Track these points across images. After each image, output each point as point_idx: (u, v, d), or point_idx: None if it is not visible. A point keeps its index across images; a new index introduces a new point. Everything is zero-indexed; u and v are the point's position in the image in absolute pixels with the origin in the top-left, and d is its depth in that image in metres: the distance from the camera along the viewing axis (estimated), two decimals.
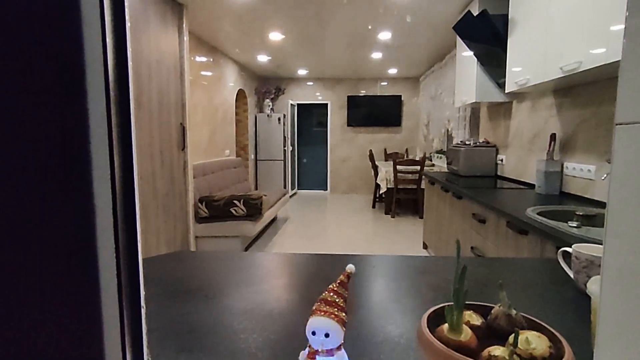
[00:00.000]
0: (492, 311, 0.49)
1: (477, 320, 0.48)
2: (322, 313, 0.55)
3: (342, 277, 0.60)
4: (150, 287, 0.90)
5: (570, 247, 0.92)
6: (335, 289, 0.58)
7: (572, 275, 0.90)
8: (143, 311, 0.32)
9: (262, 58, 5.57)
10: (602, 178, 1.68)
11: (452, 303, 0.44)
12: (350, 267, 0.61)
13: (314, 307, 0.57)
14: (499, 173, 3.22)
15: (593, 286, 0.62)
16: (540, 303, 0.82)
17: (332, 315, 0.55)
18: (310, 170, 8.23)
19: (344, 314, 0.56)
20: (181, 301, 0.82)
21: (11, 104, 0.26)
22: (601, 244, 1.01)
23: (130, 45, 0.30)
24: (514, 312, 0.47)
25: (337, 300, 0.57)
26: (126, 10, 0.29)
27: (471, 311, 0.49)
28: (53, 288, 0.27)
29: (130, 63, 0.30)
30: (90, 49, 0.27)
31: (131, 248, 0.31)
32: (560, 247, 1.37)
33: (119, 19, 0.29)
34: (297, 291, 0.90)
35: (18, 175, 0.26)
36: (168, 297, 0.85)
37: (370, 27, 3.97)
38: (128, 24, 0.30)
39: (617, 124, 0.50)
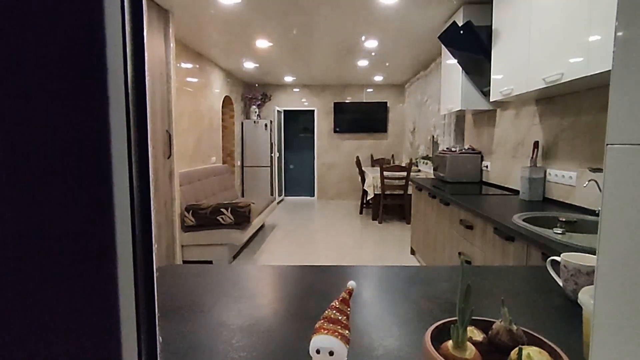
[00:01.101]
0: (494, 326, 0.50)
1: (478, 336, 0.49)
2: (326, 331, 0.56)
3: (343, 294, 0.61)
4: None
5: (556, 254, 0.95)
6: (337, 306, 0.59)
7: (560, 283, 0.92)
8: (157, 320, 0.32)
9: (249, 65, 5.56)
10: (584, 185, 1.74)
11: (456, 319, 0.45)
12: (352, 284, 0.62)
13: (317, 325, 0.57)
14: (484, 179, 3.29)
15: (585, 296, 0.64)
16: (530, 312, 0.84)
17: (336, 333, 0.55)
18: (297, 176, 8.22)
19: (347, 332, 0.57)
20: (170, 320, 0.81)
21: (37, 108, 0.26)
22: (585, 251, 1.04)
23: (146, 52, 0.30)
24: (515, 327, 0.49)
25: (340, 317, 0.58)
26: (144, 16, 0.30)
27: (472, 327, 0.50)
28: (72, 294, 0.27)
29: (147, 70, 0.31)
30: (111, 55, 0.27)
31: (147, 257, 0.31)
32: (546, 254, 1.41)
33: (138, 27, 0.29)
34: (288, 305, 0.90)
35: (43, 181, 0.26)
36: (160, 314, 0.83)
37: (356, 36, 4.02)
38: (145, 32, 0.30)
39: (607, 144, 0.52)
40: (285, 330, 0.77)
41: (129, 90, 0.28)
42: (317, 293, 0.96)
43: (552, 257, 0.96)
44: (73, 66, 0.26)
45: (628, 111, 0.49)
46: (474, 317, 0.53)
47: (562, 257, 0.90)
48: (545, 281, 1.02)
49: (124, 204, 0.28)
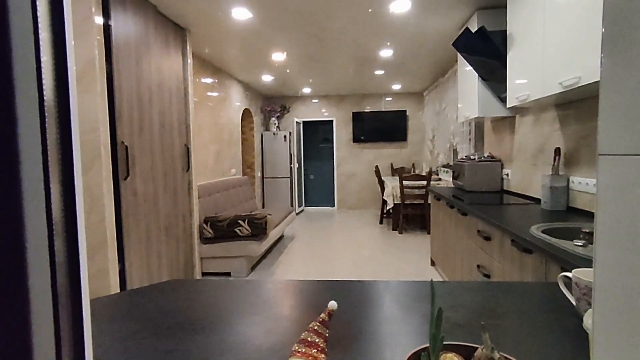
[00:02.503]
0: (475, 354, 0.46)
1: None
2: (300, 355, 0.53)
3: (323, 315, 0.58)
4: (135, 321, 0.89)
5: (575, 268, 0.89)
6: (315, 328, 0.57)
7: (573, 302, 0.86)
8: None
9: (267, 78, 5.65)
10: None
11: (428, 346, 0.42)
12: (332, 305, 0.59)
13: (293, 348, 0.55)
14: (504, 188, 3.17)
15: (589, 320, 0.59)
16: (539, 334, 0.78)
17: (311, 358, 0.53)
18: (317, 186, 8.23)
19: (323, 356, 0.54)
20: (165, 337, 0.81)
21: None
22: None
23: (70, 45, 0.29)
24: (497, 355, 0.45)
25: (317, 340, 0.55)
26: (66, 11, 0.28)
27: (453, 353, 0.47)
28: None
29: (71, 68, 0.29)
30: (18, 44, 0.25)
31: (73, 288, 0.29)
32: (565, 268, 1.32)
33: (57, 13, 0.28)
34: (291, 323, 0.88)
35: None
36: (150, 333, 0.83)
37: (371, 46, 4.01)
38: (68, 21, 0.28)
39: (599, 155, 0.48)
40: (282, 349, 0.74)
41: (44, 89, 0.27)
42: (320, 310, 0.93)
43: (564, 273, 0.90)
44: None
45: (619, 121, 0.46)
46: (456, 343, 0.49)
47: (574, 274, 0.84)
48: (559, 299, 0.95)
49: (37, 226, 0.26)
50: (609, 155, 0.46)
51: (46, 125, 0.27)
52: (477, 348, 0.48)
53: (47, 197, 0.27)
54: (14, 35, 0.25)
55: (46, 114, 0.27)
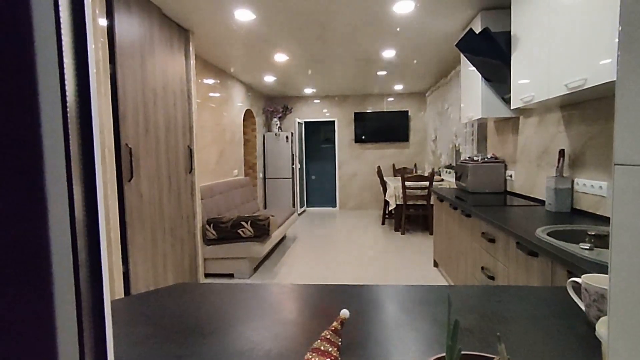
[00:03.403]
0: None
1: None
2: None
3: (335, 324, 0.58)
4: (145, 325, 0.89)
5: (582, 271, 0.88)
6: (328, 337, 0.56)
7: (583, 308, 0.86)
8: None
9: (269, 78, 5.65)
10: None
11: (443, 355, 0.42)
12: (345, 313, 0.59)
13: (306, 357, 0.55)
14: (508, 189, 3.16)
15: (602, 329, 0.58)
16: (549, 340, 0.78)
17: None
18: (319, 187, 8.23)
19: None
20: (176, 342, 0.81)
21: None
22: None
23: (91, 47, 0.29)
24: None
25: (330, 349, 0.55)
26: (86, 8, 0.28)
27: None
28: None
29: (92, 72, 0.29)
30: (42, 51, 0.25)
31: (95, 288, 0.29)
32: (571, 271, 1.32)
33: (79, 19, 0.28)
34: (299, 328, 0.88)
35: None
36: (161, 337, 0.83)
37: (373, 46, 4.01)
38: (89, 25, 0.28)
39: (615, 165, 0.48)
40: (290, 355, 0.74)
41: (67, 92, 0.27)
42: (327, 315, 0.93)
43: (573, 279, 0.89)
44: None
45: (637, 129, 0.45)
46: (471, 353, 0.49)
47: (583, 280, 0.84)
48: (568, 304, 0.95)
49: (61, 226, 0.26)
50: (625, 165, 0.46)
51: (68, 126, 0.27)
52: (492, 358, 0.48)
53: (70, 197, 0.27)
54: (37, 38, 0.26)
55: (68, 116, 0.27)
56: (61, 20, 0.26)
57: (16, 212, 0.25)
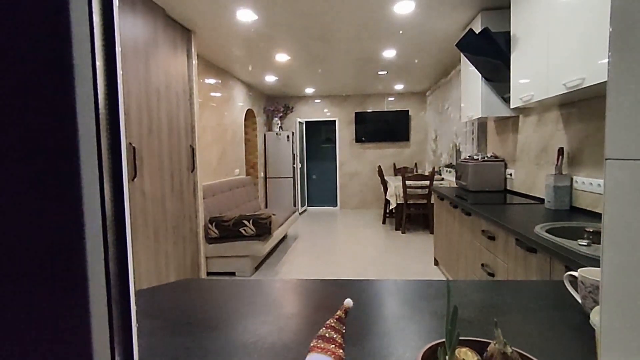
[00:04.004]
0: (488, 349, 0.49)
1: (472, 357, 0.48)
2: (320, 350, 0.56)
3: (339, 312, 0.61)
4: (152, 319, 0.91)
5: (580, 267, 0.91)
6: (332, 324, 0.59)
7: (579, 300, 0.88)
8: (135, 339, 0.33)
9: (270, 78, 5.68)
10: None
11: (443, 341, 0.44)
12: (348, 302, 0.62)
13: (311, 344, 0.58)
14: (508, 187, 3.19)
15: (596, 318, 0.61)
16: (546, 330, 0.80)
17: (329, 352, 0.55)
18: (319, 186, 8.25)
19: (341, 351, 0.57)
20: (183, 334, 0.83)
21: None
22: None
23: (120, 56, 0.31)
24: (509, 350, 0.47)
25: (334, 336, 0.58)
26: (116, 17, 0.30)
27: (467, 348, 0.49)
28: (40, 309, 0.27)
29: (120, 82, 0.31)
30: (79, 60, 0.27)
31: (123, 276, 0.31)
32: (569, 267, 1.34)
33: (108, 21, 0.29)
34: (303, 321, 0.90)
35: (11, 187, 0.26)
36: (169, 330, 0.85)
37: (374, 46, 4.03)
38: (117, 27, 0.30)
39: (606, 159, 0.50)
40: (296, 346, 0.77)
41: (99, 94, 0.28)
42: (330, 309, 0.95)
43: (569, 272, 0.92)
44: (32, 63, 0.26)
45: (627, 124, 0.47)
46: (469, 338, 0.52)
47: (579, 273, 0.86)
48: (565, 297, 0.97)
49: (94, 215, 0.28)
50: (616, 159, 0.48)
51: (100, 128, 0.29)
52: (489, 343, 0.50)
53: (102, 196, 0.29)
54: (74, 42, 0.27)
55: (100, 118, 0.29)
56: (94, 23, 0.28)
57: (55, 211, 0.27)
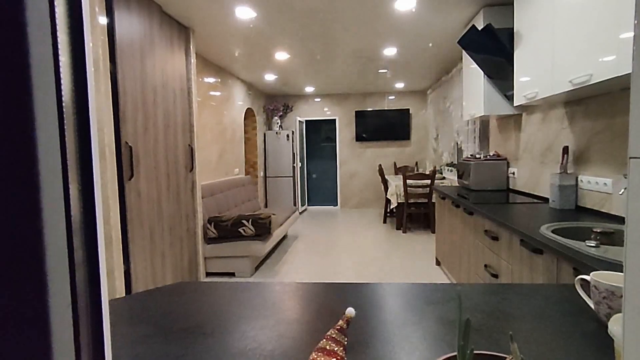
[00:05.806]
0: None
1: None
2: None
3: (341, 322, 0.57)
4: (146, 325, 0.87)
5: (588, 269, 0.87)
6: (333, 336, 0.55)
7: (592, 306, 0.84)
8: None
9: (269, 77, 5.63)
10: (620, 193, 1.61)
11: (456, 354, 0.40)
12: (350, 311, 0.58)
13: (310, 357, 0.53)
14: (510, 186, 3.15)
15: (615, 327, 0.57)
16: (558, 338, 0.76)
17: None
18: (320, 185, 8.21)
19: None
20: (176, 342, 0.79)
21: None
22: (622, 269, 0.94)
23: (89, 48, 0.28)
24: None
25: (335, 349, 0.54)
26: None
27: None
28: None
29: (89, 74, 0.28)
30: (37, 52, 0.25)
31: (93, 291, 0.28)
32: (577, 269, 1.30)
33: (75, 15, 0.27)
34: (304, 328, 0.86)
35: None
36: (162, 337, 0.81)
37: (375, 44, 3.98)
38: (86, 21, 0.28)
39: (630, 158, 0.46)
40: (295, 353, 0.73)
41: (63, 90, 0.26)
42: (330, 314, 0.91)
43: (581, 276, 0.88)
44: None
45: None
46: (482, 352, 0.48)
47: (592, 277, 0.82)
48: (576, 302, 0.93)
49: (55, 220, 0.26)
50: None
51: (64, 125, 0.27)
52: (505, 358, 0.46)
53: (66, 196, 0.27)
54: (31, 36, 0.25)
55: (64, 114, 0.27)
56: (56, 16, 0.26)
57: (8, 211, 0.25)
